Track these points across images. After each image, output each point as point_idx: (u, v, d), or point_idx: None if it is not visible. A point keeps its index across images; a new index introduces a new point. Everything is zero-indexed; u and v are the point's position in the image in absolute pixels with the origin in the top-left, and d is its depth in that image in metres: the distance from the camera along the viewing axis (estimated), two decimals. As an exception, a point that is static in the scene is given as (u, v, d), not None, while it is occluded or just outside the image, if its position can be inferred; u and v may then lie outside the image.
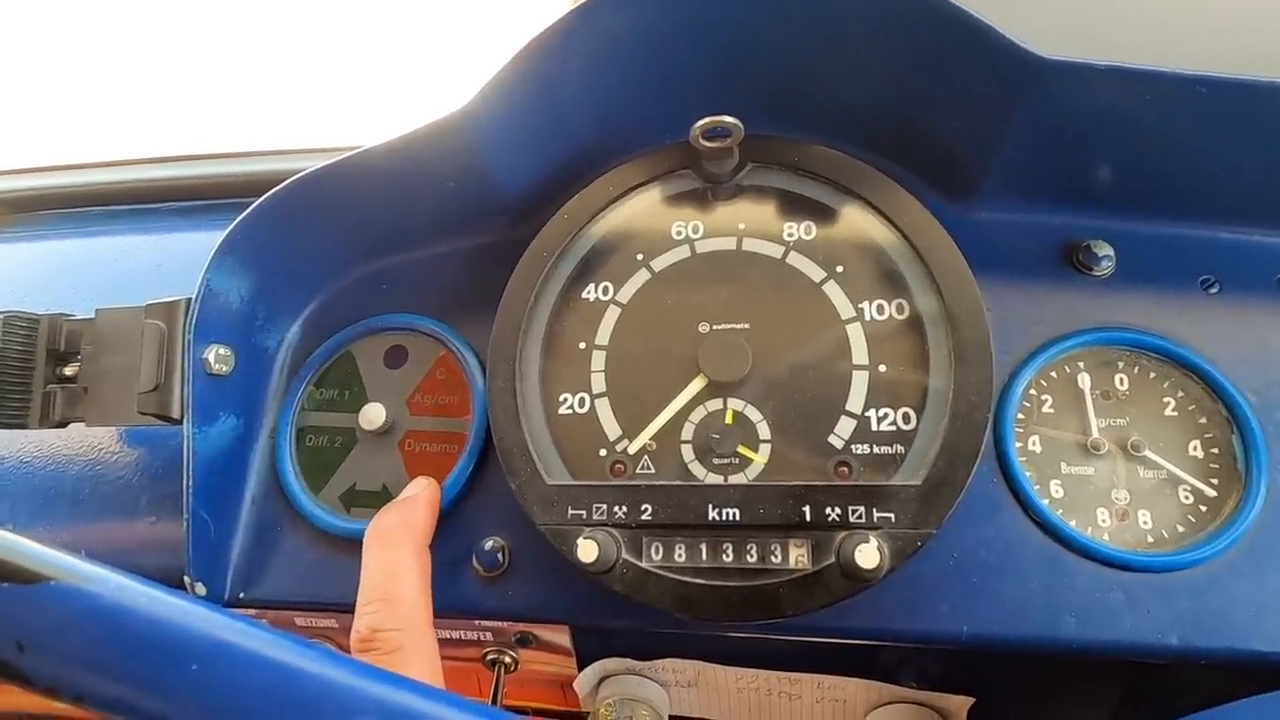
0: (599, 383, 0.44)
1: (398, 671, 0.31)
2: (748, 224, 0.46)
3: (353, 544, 0.46)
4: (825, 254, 0.44)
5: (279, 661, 0.22)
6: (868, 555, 0.35)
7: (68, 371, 0.51)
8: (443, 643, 0.54)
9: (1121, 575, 0.39)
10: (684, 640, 0.51)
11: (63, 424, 0.50)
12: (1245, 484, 0.40)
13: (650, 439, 0.42)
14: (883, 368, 0.41)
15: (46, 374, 0.50)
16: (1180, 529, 0.41)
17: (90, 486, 0.54)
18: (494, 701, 0.54)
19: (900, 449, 0.39)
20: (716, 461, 0.41)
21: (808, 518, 0.38)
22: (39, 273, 0.67)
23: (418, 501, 0.42)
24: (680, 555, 0.39)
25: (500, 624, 0.51)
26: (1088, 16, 0.63)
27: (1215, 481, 0.41)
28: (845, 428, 0.40)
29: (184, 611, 0.23)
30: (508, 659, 0.55)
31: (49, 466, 0.55)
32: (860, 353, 0.42)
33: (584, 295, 0.46)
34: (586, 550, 0.38)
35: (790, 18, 0.43)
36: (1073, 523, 0.41)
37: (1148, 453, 0.42)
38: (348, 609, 0.48)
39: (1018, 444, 0.43)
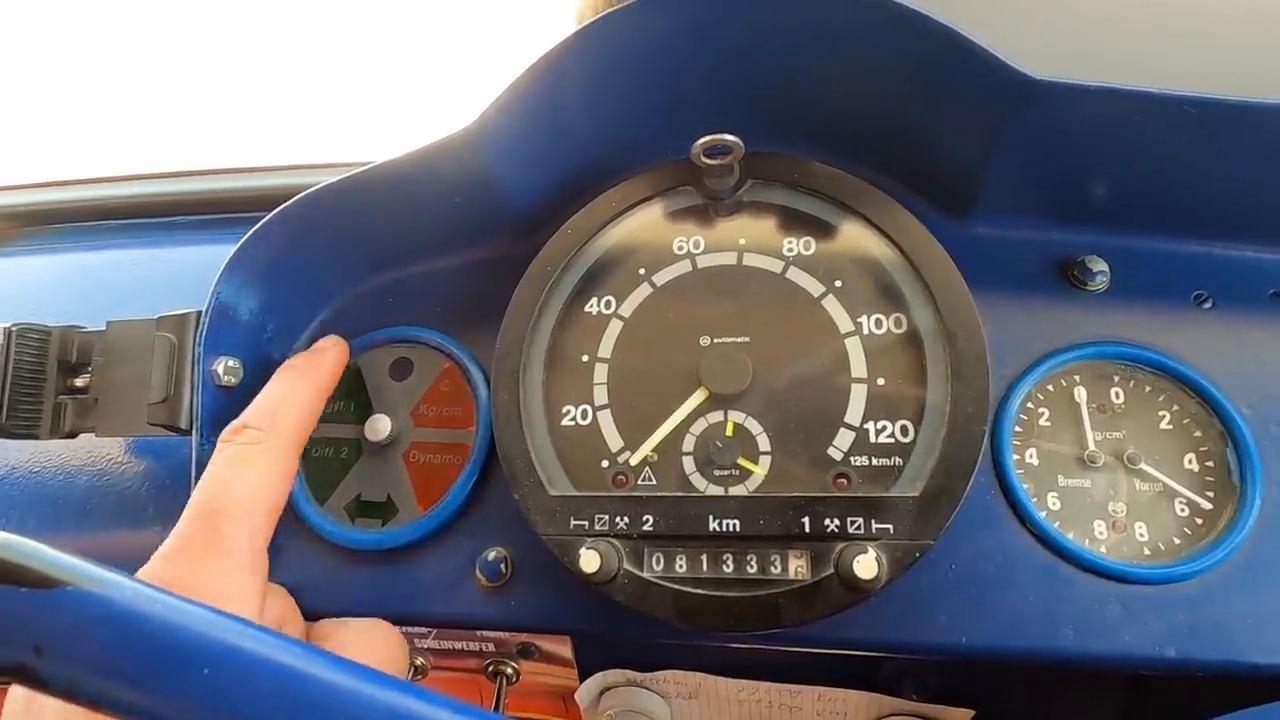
0: (601, 395, 0.44)
1: (244, 466, 0.41)
2: (748, 239, 0.47)
3: (358, 555, 0.47)
4: (824, 269, 0.45)
5: (290, 667, 0.22)
6: (866, 566, 0.36)
7: (78, 383, 0.52)
8: (444, 653, 0.54)
9: (1118, 587, 0.40)
10: (685, 652, 0.51)
11: (73, 435, 0.51)
12: (1240, 497, 0.41)
13: (652, 450, 0.43)
14: (881, 381, 0.42)
15: (57, 385, 0.51)
16: (1177, 541, 0.41)
17: (98, 497, 0.54)
18: (495, 712, 0.54)
19: (898, 461, 0.40)
20: (717, 473, 0.42)
21: (807, 529, 0.38)
22: (51, 285, 0.68)
23: (326, 352, 0.49)
24: (681, 566, 0.39)
25: (502, 634, 0.51)
26: (1084, 34, 0.64)
27: (1211, 494, 0.42)
28: (844, 440, 0.41)
29: (197, 617, 0.23)
30: (509, 670, 0.55)
31: (58, 476, 0.56)
32: (859, 366, 0.42)
33: (587, 309, 0.47)
34: (589, 561, 0.38)
35: (789, 36, 0.44)
36: (1070, 535, 0.41)
37: (1144, 466, 0.42)
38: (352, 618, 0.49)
39: (1015, 456, 0.43)
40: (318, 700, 0.22)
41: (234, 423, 0.43)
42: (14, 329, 0.49)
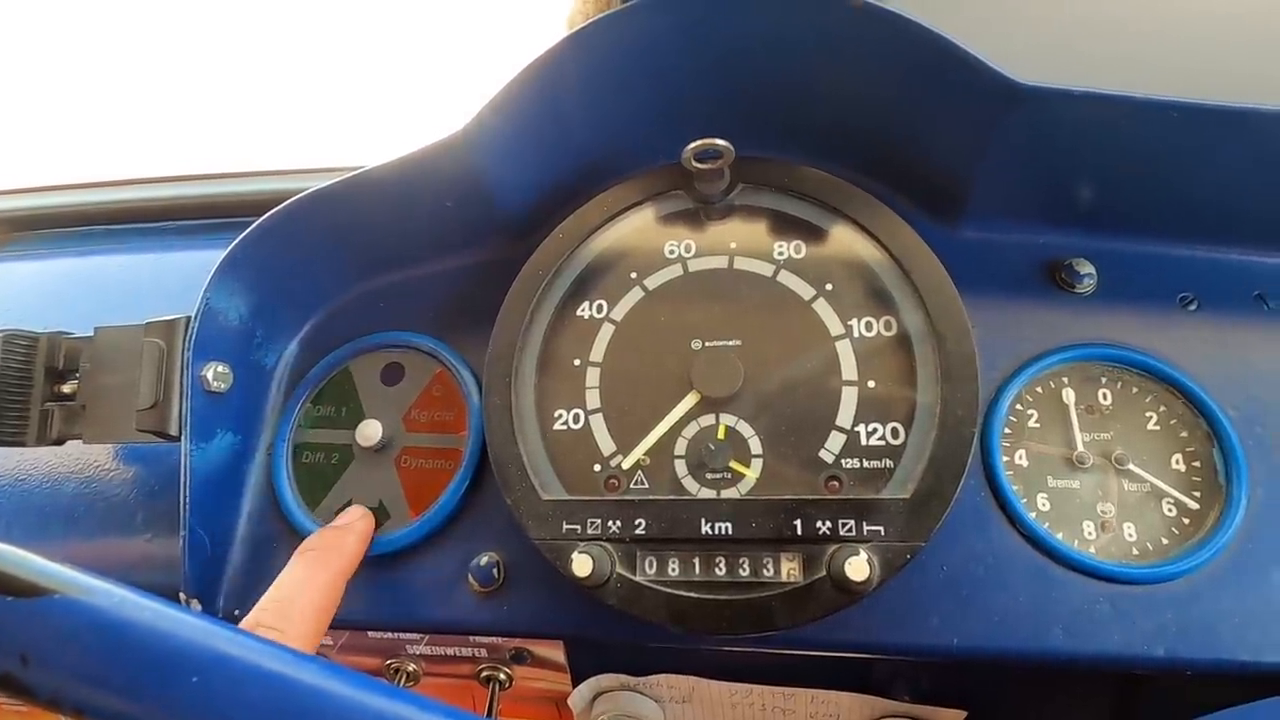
0: (593, 399, 0.44)
1: None
2: (739, 243, 0.47)
3: (349, 560, 0.46)
4: (815, 272, 0.45)
5: (279, 674, 0.22)
6: (858, 568, 0.36)
7: (66, 389, 0.51)
8: (437, 659, 0.54)
9: (1107, 587, 0.40)
10: (678, 655, 0.51)
11: (60, 441, 0.50)
12: (1226, 497, 0.41)
13: (644, 454, 0.43)
14: (871, 383, 0.42)
15: (45, 392, 0.50)
16: (1164, 541, 0.41)
17: (86, 504, 0.54)
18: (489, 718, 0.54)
19: (889, 463, 0.40)
20: (709, 476, 0.42)
21: (799, 531, 0.39)
22: (39, 291, 0.68)
23: (351, 530, 0.44)
24: (674, 569, 0.39)
25: (495, 640, 0.51)
26: (1078, 37, 0.64)
27: (1197, 494, 0.42)
28: (835, 442, 0.41)
29: (185, 624, 0.23)
30: (502, 676, 0.55)
31: (45, 484, 0.55)
32: (849, 369, 0.42)
33: (579, 313, 0.47)
34: (581, 565, 0.38)
35: (778, 41, 0.44)
36: (1059, 535, 0.41)
37: (1131, 466, 0.43)
38: (344, 626, 0.48)
39: (1005, 458, 0.43)
40: (308, 707, 0.22)
41: (248, 617, 0.37)
42: (0, 335, 0.49)
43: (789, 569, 0.39)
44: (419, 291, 0.54)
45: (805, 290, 0.45)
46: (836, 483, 0.40)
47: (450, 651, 0.53)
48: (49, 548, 0.51)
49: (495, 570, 0.45)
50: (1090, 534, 0.42)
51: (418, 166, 0.46)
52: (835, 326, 0.44)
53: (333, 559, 0.42)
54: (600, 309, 0.46)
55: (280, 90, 1.12)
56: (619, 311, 0.46)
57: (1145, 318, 0.46)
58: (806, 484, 0.41)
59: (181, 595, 0.45)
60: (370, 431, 0.48)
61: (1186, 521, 0.42)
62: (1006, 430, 0.44)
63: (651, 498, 0.41)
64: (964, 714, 0.50)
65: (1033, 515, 0.42)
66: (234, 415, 0.50)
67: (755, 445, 0.42)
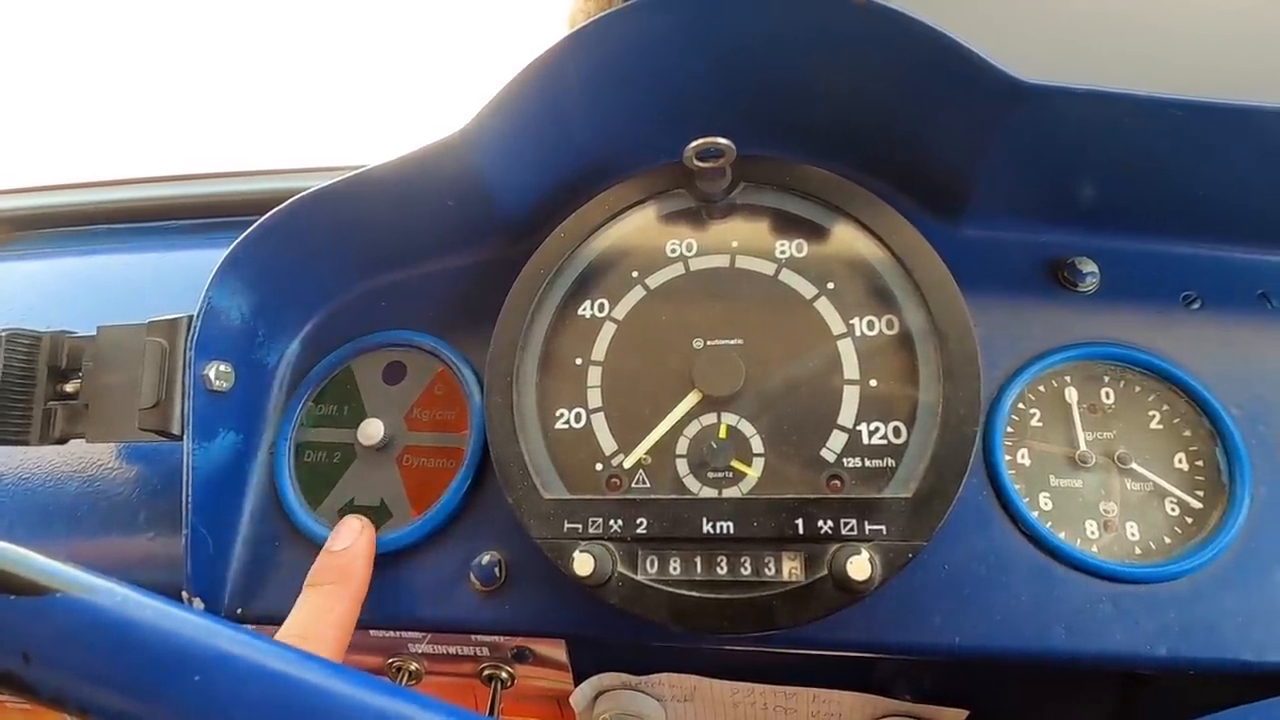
0: (595, 398, 0.44)
1: None
2: (740, 242, 0.47)
3: (350, 559, 0.46)
4: (817, 271, 0.45)
5: (281, 673, 0.22)
6: (859, 567, 0.36)
7: (68, 388, 0.51)
8: (439, 658, 0.54)
9: (1110, 586, 0.40)
10: (680, 654, 0.51)
11: (63, 440, 0.50)
12: (1229, 496, 0.41)
13: (645, 453, 0.43)
14: (873, 382, 0.42)
15: (47, 391, 0.50)
16: (1167, 540, 0.41)
17: (89, 503, 0.54)
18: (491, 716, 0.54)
19: (891, 462, 0.40)
20: (711, 475, 0.42)
21: (800, 531, 0.38)
22: (41, 290, 0.68)
23: (355, 554, 0.43)
24: (675, 568, 0.39)
25: (497, 639, 0.51)
26: (1082, 35, 0.64)
27: (1200, 494, 0.42)
28: (837, 441, 0.41)
29: (187, 623, 0.23)
30: (504, 675, 0.55)
31: (48, 483, 0.56)
32: (851, 368, 0.42)
33: (580, 312, 0.47)
34: (582, 564, 0.38)
35: (780, 39, 0.44)
36: (1061, 534, 0.41)
37: (1134, 465, 0.43)
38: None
39: (1007, 457, 0.43)
40: (310, 706, 0.22)
41: None
42: (3, 334, 0.49)
43: (790, 568, 0.39)
44: (420, 291, 0.54)
45: (807, 289, 0.45)
46: (838, 482, 0.40)
47: (452, 650, 0.53)
48: (52, 546, 0.52)
49: (497, 569, 0.45)
50: (1093, 533, 0.42)
51: (418, 166, 0.46)
52: (837, 325, 0.43)
53: (343, 593, 0.42)
54: (602, 308, 0.46)
55: (280, 90, 1.12)
56: (620, 310, 0.46)
57: (1148, 316, 0.46)
58: (808, 483, 0.41)
59: (184, 594, 0.45)
60: (372, 430, 0.48)
61: (1189, 521, 0.41)
62: (1009, 429, 0.44)
63: (653, 497, 0.41)
64: (966, 713, 0.49)
65: (1035, 514, 0.42)
66: (236, 414, 0.50)
67: (757, 444, 0.42)
